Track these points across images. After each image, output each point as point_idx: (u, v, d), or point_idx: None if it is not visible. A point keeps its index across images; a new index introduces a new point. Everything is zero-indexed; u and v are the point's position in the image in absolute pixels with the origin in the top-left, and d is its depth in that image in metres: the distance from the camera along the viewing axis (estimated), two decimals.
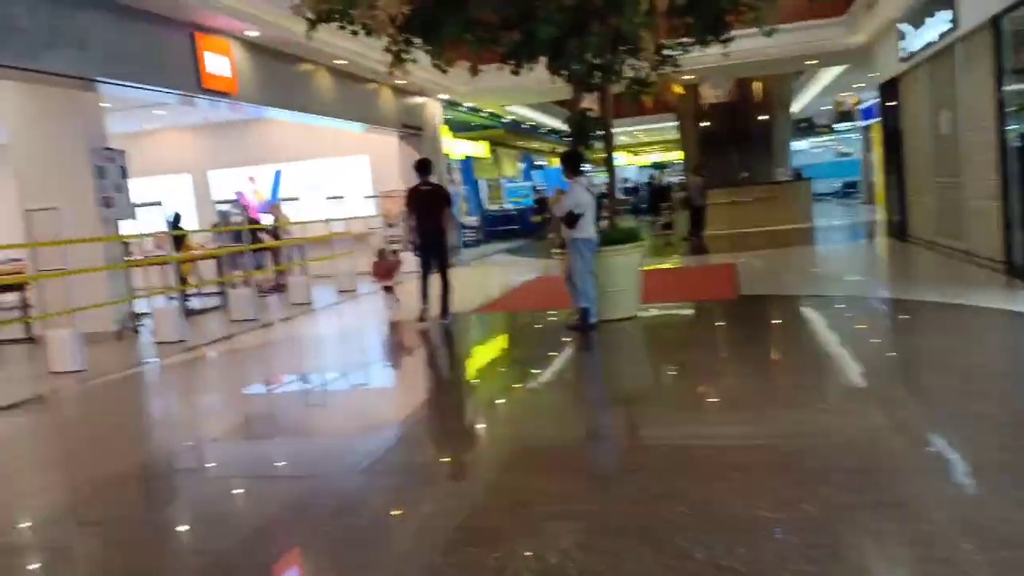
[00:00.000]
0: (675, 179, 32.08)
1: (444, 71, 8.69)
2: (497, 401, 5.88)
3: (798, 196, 20.81)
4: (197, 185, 18.33)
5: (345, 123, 14.02)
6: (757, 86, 21.99)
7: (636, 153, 42.91)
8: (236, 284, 11.11)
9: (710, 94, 18.10)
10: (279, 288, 13.38)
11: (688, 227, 18.45)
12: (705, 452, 4.19)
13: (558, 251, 8.15)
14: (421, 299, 9.39)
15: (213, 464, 5.06)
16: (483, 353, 8.16)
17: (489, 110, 21.22)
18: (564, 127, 30.87)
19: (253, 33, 10.28)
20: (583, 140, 8.40)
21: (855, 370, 5.71)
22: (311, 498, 4.03)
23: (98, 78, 8.53)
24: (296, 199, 14.02)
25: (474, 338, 8.90)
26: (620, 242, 8.04)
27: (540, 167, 36.06)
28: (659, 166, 44.24)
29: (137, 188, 18.47)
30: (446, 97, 17.73)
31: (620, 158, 41.47)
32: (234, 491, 4.42)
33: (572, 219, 7.68)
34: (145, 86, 9.11)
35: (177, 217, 14.31)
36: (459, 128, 23.31)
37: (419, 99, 16.80)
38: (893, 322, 7.71)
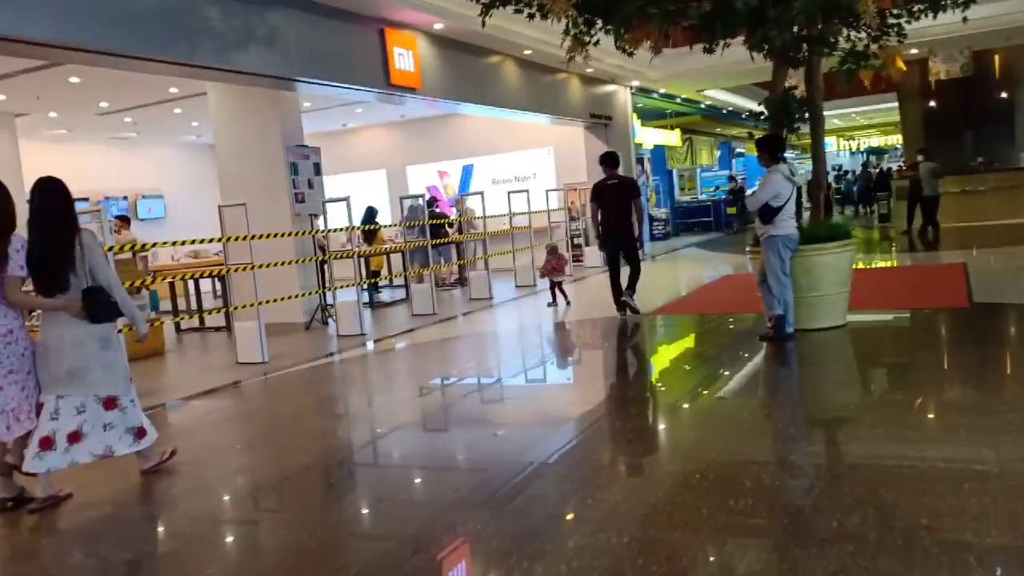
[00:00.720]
0: (892, 165, 29.15)
1: (629, 53, 8.04)
2: (670, 420, 5.21)
3: None
4: (392, 180, 18.86)
5: (530, 115, 13.71)
6: (998, 59, 19.20)
7: (851, 138, 39.53)
8: (421, 278, 11.09)
9: (941, 70, 15.93)
10: (462, 282, 13.33)
11: (913, 220, 16.41)
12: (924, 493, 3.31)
13: (752, 248, 7.26)
14: (613, 294, 9.00)
15: (377, 456, 4.92)
16: (660, 362, 7.46)
17: (684, 96, 20.14)
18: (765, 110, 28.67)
19: (439, 26, 10.16)
20: (786, 124, 7.43)
21: None
22: (482, 490, 3.95)
23: (290, 76, 8.72)
24: (479, 193, 13.91)
25: (651, 344, 8.18)
26: (826, 240, 7.01)
27: (741, 155, 34.13)
28: (875, 151, 40.57)
29: (336, 184, 19.67)
30: (637, 84, 16.96)
31: (830, 143, 38.40)
32: (402, 482, 4.45)
33: (768, 213, 6.78)
34: (335, 83, 9.23)
35: (370, 212, 14.68)
36: (652, 116, 22.41)
37: (608, 87, 16.18)
38: None
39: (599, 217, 9.04)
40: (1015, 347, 6.46)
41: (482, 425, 5.45)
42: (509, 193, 14.42)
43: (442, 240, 13.33)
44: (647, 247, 19.81)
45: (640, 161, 22.52)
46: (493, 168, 17.78)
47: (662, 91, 18.36)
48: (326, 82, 9.17)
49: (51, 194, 4.22)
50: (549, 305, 10.35)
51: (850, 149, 39.41)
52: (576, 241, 16.90)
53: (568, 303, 10.31)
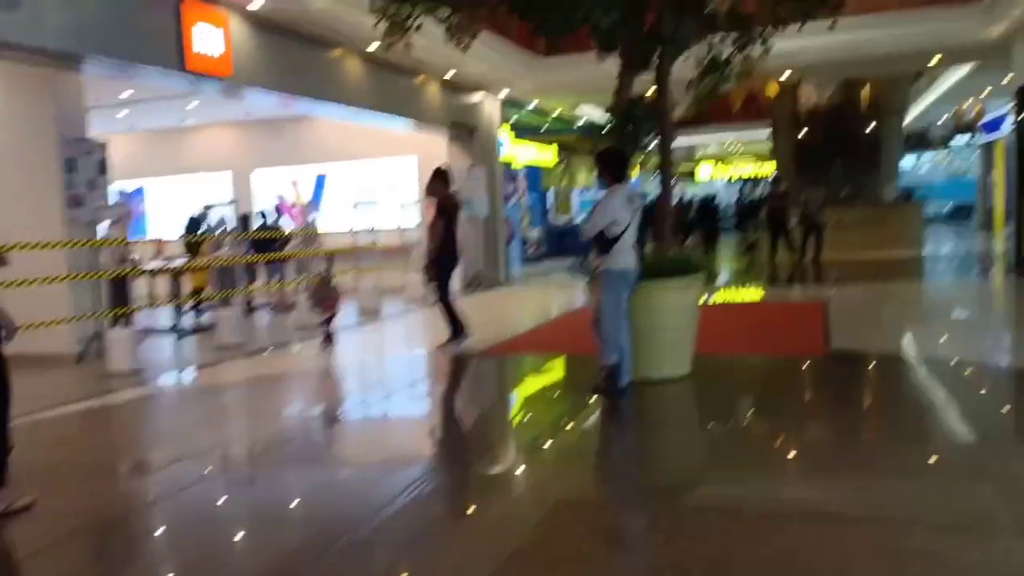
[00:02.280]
0: (757, 195, 29.30)
1: (463, 47, 6.84)
2: (474, 495, 3.99)
3: (907, 220, 18.15)
4: (238, 184, 17.07)
5: (379, 116, 12.35)
6: (866, 90, 19.31)
7: (726, 165, 40.10)
8: (227, 301, 9.52)
9: (811, 96, 15.66)
10: (289, 307, 11.81)
11: (801, 250, 15.97)
12: None
13: (589, 282, 6.17)
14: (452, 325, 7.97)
15: None
16: (471, 414, 6.26)
17: (558, 112, 19.27)
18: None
19: (255, 6, 8.70)
20: (631, 138, 6.41)
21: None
22: None
23: (45, 47, 7.00)
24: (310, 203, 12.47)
25: (466, 396, 6.94)
26: (670, 274, 6.00)
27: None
28: (750, 180, 41.27)
29: (175, 185, 17.75)
30: (506, 94, 15.89)
31: (706, 170, 38.84)
32: None
33: (604, 242, 5.71)
34: (114, 62, 7.60)
35: (194, 221, 12.96)
36: (528, 132, 21.48)
37: (474, 96, 15.03)
38: None
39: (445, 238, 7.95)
40: (871, 414, 5.60)
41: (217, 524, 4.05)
42: (356, 205, 13.06)
43: (271, 256, 11.76)
44: (518, 269, 18.86)
45: (514, 178, 21.57)
46: (349, 176, 16.31)
47: (534, 104, 17.39)
48: (103, 59, 7.51)
49: None
50: (322, 344, 8.63)
51: (725, 178, 39.95)
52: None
53: (330, 343, 8.61)
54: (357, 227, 12.82)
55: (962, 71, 17.56)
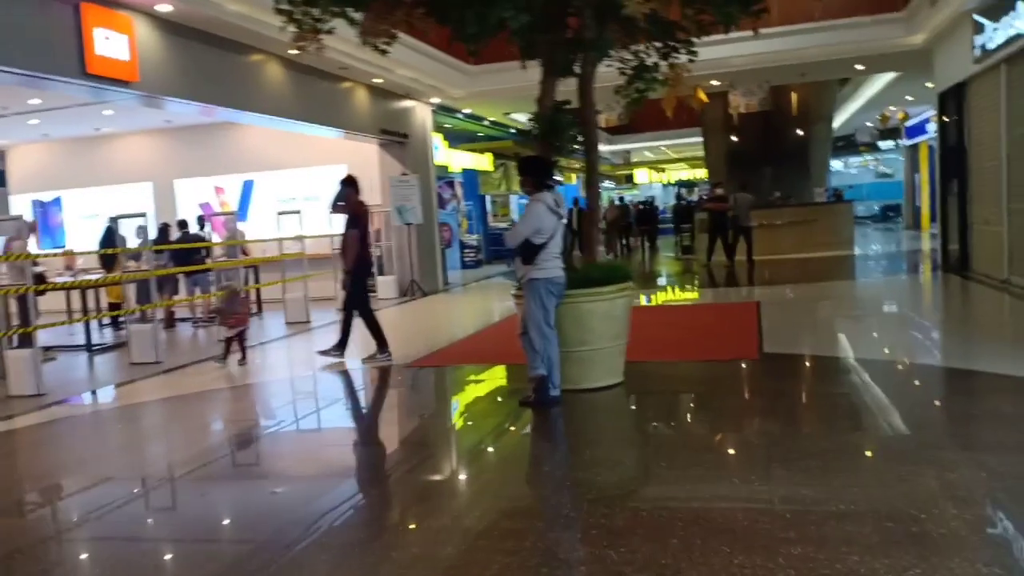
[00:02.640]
0: (693, 198, 29.69)
1: (381, 51, 6.57)
2: (399, 512, 3.72)
3: (838, 220, 18.45)
4: (160, 194, 16.43)
5: (303, 125, 11.97)
6: (794, 96, 19.64)
7: (662, 170, 40.58)
8: (150, 316, 9.05)
9: (741, 103, 15.84)
10: (212, 320, 11.32)
11: (729, 251, 16.13)
12: None
13: (516, 292, 5.97)
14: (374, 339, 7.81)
15: None
16: (396, 429, 6.01)
17: (492, 119, 19.11)
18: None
19: (164, 7, 8.28)
20: (555, 143, 6.23)
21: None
22: None
23: None
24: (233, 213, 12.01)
25: (393, 410, 6.70)
26: (599, 283, 5.84)
27: (558, 183, 33.87)
28: (686, 184, 41.83)
29: (91, 198, 16.99)
30: (437, 101, 15.65)
31: (643, 175, 39.20)
32: None
33: (529, 251, 5.52)
34: (7, 67, 7.10)
35: (109, 232, 12.35)
36: (464, 139, 21.27)
37: (404, 103, 14.75)
38: (995, 421, 5.37)
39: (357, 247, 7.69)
40: (805, 418, 5.52)
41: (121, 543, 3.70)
42: (279, 214, 12.64)
43: (190, 268, 11.29)
44: (457, 275, 18.60)
45: (451, 184, 21.32)
46: (277, 185, 15.83)
47: (467, 111, 17.18)
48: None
49: None
50: (220, 362, 8.14)
51: (661, 182, 40.42)
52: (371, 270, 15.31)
53: (244, 361, 8.17)
54: (284, 235, 12.43)
55: (886, 78, 18.01)
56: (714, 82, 15.91)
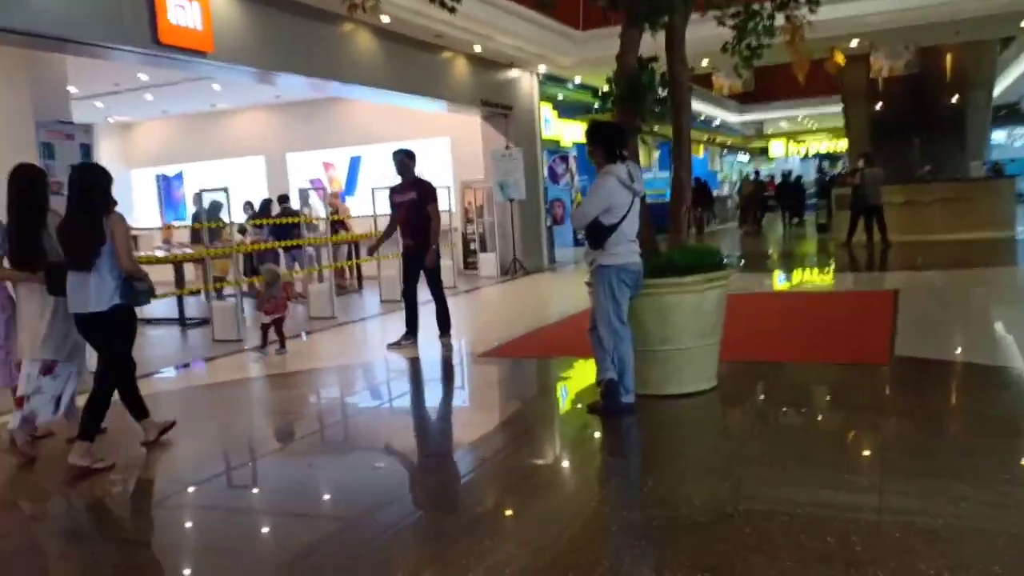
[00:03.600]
0: (836, 172, 27.61)
1: (451, 8, 5.89)
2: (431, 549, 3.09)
3: (996, 197, 16.31)
4: (272, 168, 16.54)
5: (396, 96, 11.49)
6: (948, 58, 17.49)
7: (801, 142, 37.96)
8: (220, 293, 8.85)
9: (884, 66, 14.11)
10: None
11: (854, 232, 14.63)
12: None
13: (588, 281, 5.14)
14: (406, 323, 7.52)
15: None
16: (430, 444, 5.35)
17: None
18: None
19: None
20: (637, 109, 5.34)
21: None
22: None
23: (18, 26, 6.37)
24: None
25: (436, 415, 5.97)
26: (685, 271, 4.94)
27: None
28: (827, 157, 39.02)
29: (208, 171, 17.33)
30: (544, 70, 14.83)
31: (778, 147, 36.81)
32: None
33: (597, 233, 4.70)
34: (78, 40, 6.90)
35: (215, 207, 12.37)
36: (578, 110, 20.32)
37: (508, 72, 14.03)
38: None
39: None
40: (933, 451, 4.42)
41: None
42: (373, 190, 12.27)
43: (290, 243, 11.08)
44: (568, 253, 17.80)
45: (564, 159, 20.49)
46: (384, 160, 15.52)
47: (577, 80, 16.25)
48: (65, 37, 6.83)
49: (15, 180, 4.61)
50: (259, 351, 7.63)
51: (799, 155, 37.79)
52: (472, 247, 14.82)
53: (283, 348, 7.56)
54: (381, 212, 12.06)
55: None
56: (853, 43, 14.27)
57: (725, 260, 5.24)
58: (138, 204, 17.25)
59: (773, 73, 18.42)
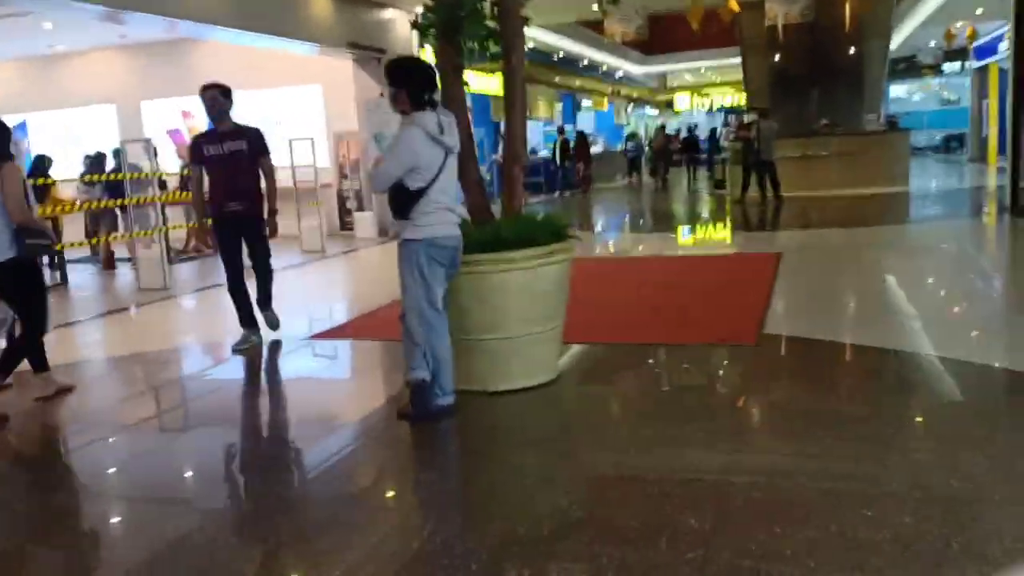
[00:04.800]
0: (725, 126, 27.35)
1: None
2: None
3: (891, 151, 16.21)
4: (125, 118, 14.89)
5: (237, 34, 10.19)
6: (847, 7, 17.07)
7: (705, 95, 37.65)
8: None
9: (779, 13, 13.50)
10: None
11: (747, 188, 14.22)
12: None
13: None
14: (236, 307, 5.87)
15: None
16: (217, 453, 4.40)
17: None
18: (603, 57, 25.14)
19: None
20: (455, 40, 4.40)
21: None
22: None
23: None
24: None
25: (216, 417, 4.85)
26: (515, 244, 4.08)
27: (588, 109, 31.48)
28: (732, 111, 38.91)
29: (51, 121, 15.55)
30: (420, 10, 13.60)
31: (683, 101, 36.43)
32: None
33: (401, 199, 3.78)
34: None
35: (40, 160, 10.86)
36: (468, 58, 19.16)
37: (382, 12, 12.80)
38: None
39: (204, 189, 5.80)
40: (797, 453, 3.71)
41: None
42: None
43: (117, 203, 9.76)
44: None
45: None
46: (250, 108, 14.12)
47: None
48: None
49: None
50: None
51: (703, 108, 37.50)
52: (347, 205, 13.68)
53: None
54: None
55: None
56: None
57: (570, 230, 4.40)
58: None
59: (672, 23, 17.85)
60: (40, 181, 10.60)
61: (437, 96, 3.87)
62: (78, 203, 10.43)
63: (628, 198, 19.31)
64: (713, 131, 25.42)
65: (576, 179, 19.91)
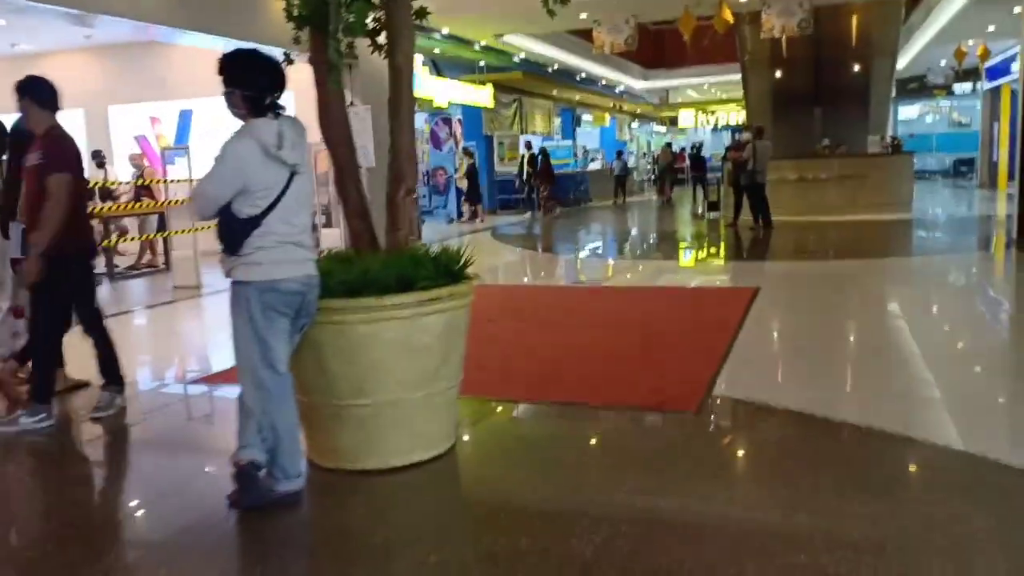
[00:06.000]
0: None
1: None
2: None
3: (894, 175, 15.41)
4: (92, 124, 14.25)
5: (184, 34, 9.58)
6: (853, 22, 16.32)
7: (711, 112, 36.91)
8: None
9: (776, 25, 12.75)
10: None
11: (740, 212, 13.36)
12: None
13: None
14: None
15: None
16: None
17: (483, 42, 16.28)
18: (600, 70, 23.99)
19: None
20: (329, 31, 3.67)
21: None
22: None
23: None
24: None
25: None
26: (390, 288, 3.30)
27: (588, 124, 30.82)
28: (738, 128, 38.12)
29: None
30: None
31: (687, 117, 35.71)
32: None
33: (231, 229, 3.01)
34: None
35: None
36: (463, 69, 18.51)
37: None
38: None
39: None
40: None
41: None
42: (186, 150, 10.34)
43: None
44: (441, 228, 16.05)
45: (448, 121, 18.70)
46: (219, 114, 13.46)
47: (445, 31, 14.41)
48: None
49: None
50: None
51: (708, 125, 36.74)
52: (315, 220, 12.95)
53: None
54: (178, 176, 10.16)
55: (963, 1, 14.57)
56: None
57: (466, 268, 3.62)
58: None
59: (674, 36, 17.09)
60: None
61: (275, 98, 3.11)
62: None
63: (607, 218, 18.43)
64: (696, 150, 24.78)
65: (539, 201, 18.97)
